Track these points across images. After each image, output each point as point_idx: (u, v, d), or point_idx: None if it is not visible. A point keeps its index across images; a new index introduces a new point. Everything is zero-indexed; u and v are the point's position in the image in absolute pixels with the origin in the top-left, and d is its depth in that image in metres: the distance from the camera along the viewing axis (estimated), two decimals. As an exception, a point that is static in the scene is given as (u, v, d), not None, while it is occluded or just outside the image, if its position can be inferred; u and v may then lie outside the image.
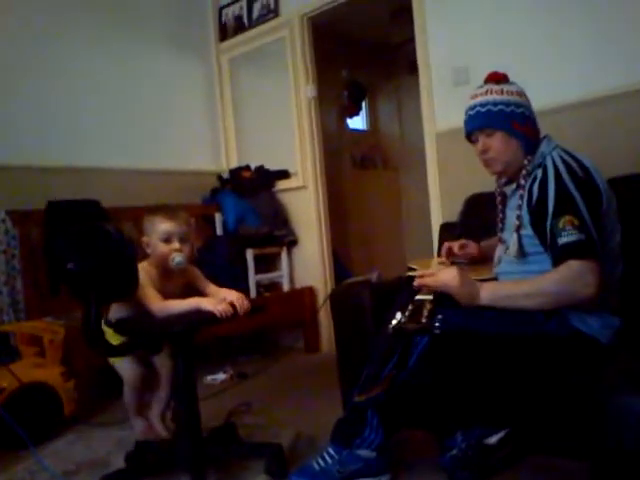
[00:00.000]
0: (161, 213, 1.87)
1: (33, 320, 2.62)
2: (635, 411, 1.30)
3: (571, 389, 1.50)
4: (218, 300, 1.81)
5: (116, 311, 1.86)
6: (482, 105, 1.64)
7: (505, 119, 1.62)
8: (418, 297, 1.54)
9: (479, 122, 1.66)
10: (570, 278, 1.44)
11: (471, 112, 1.68)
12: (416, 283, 1.58)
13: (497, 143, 1.64)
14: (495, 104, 1.62)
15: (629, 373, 1.43)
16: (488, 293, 1.53)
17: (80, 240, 1.64)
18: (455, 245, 1.91)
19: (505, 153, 1.64)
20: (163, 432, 2.08)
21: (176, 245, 1.84)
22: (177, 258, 1.83)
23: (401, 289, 1.74)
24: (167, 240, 1.84)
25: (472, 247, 1.92)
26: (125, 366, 2.01)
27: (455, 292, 1.53)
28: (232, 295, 1.88)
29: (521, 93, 1.66)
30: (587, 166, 1.55)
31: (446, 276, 1.56)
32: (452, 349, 1.54)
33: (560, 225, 1.46)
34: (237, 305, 1.81)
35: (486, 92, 1.65)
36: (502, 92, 1.64)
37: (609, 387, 1.40)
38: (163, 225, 1.84)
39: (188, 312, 1.77)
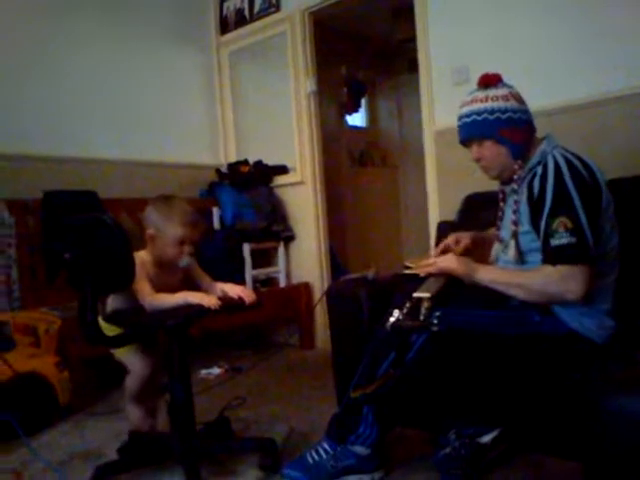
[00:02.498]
0: (178, 215, 1.83)
1: (28, 310, 2.62)
2: (627, 413, 1.30)
3: (565, 389, 1.51)
4: (204, 294, 1.81)
5: (112, 303, 1.86)
6: (468, 115, 1.65)
7: (490, 127, 1.62)
8: (416, 294, 1.54)
9: (467, 133, 1.68)
10: (554, 282, 1.48)
11: (459, 122, 1.69)
12: (419, 271, 1.68)
13: (487, 152, 1.65)
14: (479, 113, 1.62)
15: (622, 374, 1.44)
16: (485, 273, 1.62)
17: (78, 230, 1.64)
18: (450, 242, 1.87)
19: (496, 160, 1.65)
20: (159, 424, 2.08)
21: (188, 249, 1.84)
22: (186, 259, 1.85)
23: (398, 287, 1.75)
24: (180, 243, 1.83)
25: (465, 239, 1.87)
26: (133, 359, 1.96)
27: (455, 271, 1.63)
28: (236, 289, 1.90)
29: (507, 96, 1.63)
30: (590, 165, 1.55)
31: (445, 260, 1.68)
32: (449, 347, 1.54)
33: (554, 226, 1.48)
34: (244, 296, 1.84)
35: (471, 101, 1.66)
36: (486, 99, 1.63)
37: (602, 388, 1.41)
38: (181, 231, 1.82)
39: (181, 305, 1.76)
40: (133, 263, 1.72)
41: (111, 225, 1.66)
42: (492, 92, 1.64)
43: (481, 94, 1.64)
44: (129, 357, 1.98)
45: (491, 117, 1.61)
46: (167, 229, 1.82)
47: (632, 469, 1.29)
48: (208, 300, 1.75)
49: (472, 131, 1.65)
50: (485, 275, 1.61)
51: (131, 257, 1.71)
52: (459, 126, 1.70)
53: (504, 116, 1.61)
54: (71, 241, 1.63)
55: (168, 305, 1.78)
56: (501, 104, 1.62)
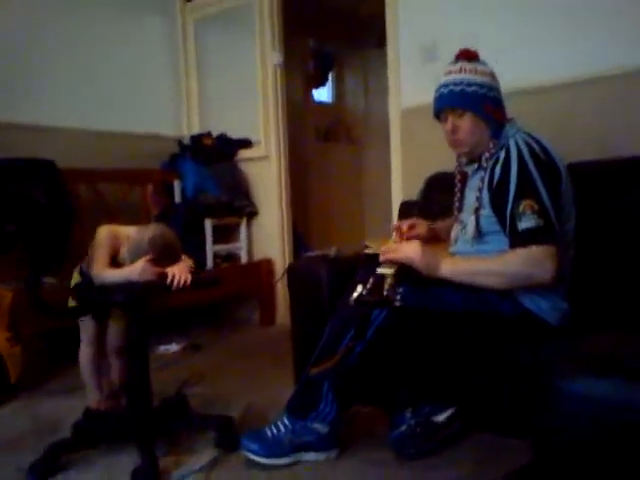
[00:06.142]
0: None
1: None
2: (575, 391, 1.33)
3: (518, 369, 1.54)
4: (173, 269, 1.74)
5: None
6: (456, 84, 1.62)
7: (477, 101, 1.60)
8: (379, 271, 1.54)
9: (451, 101, 1.63)
10: (530, 262, 1.48)
11: (444, 90, 1.64)
12: (381, 259, 1.60)
13: (466, 124, 1.62)
14: (469, 84, 1.60)
15: (571, 355, 1.47)
16: (448, 266, 1.56)
17: (16, 206, 1.58)
18: (404, 224, 1.89)
19: (473, 135, 1.63)
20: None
21: None
22: None
23: (359, 265, 1.74)
24: None
25: (421, 227, 1.89)
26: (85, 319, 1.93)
27: (416, 263, 1.56)
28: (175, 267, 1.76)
29: (493, 75, 1.65)
30: (548, 149, 1.57)
31: (408, 249, 1.59)
32: (408, 324, 1.56)
33: (520, 209, 1.48)
34: (174, 276, 1.71)
35: (460, 70, 1.63)
36: (476, 72, 1.62)
37: (552, 368, 1.44)
38: None
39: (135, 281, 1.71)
40: (64, 244, 1.66)
41: (43, 205, 1.60)
42: (480, 67, 1.64)
43: (469, 65, 1.63)
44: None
45: (480, 91, 1.61)
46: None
47: (580, 447, 1.33)
48: (179, 275, 1.70)
49: (457, 101, 1.62)
50: (451, 266, 1.56)
51: (64, 238, 1.64)
52: (442, 94, 1.65)
53: (491, 93, 1.62)
54: (11, 215, 1.58)
55: (111, 280, 1.71)
56: (490, 81, 1.63)
